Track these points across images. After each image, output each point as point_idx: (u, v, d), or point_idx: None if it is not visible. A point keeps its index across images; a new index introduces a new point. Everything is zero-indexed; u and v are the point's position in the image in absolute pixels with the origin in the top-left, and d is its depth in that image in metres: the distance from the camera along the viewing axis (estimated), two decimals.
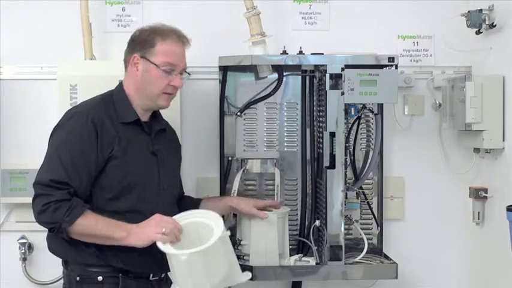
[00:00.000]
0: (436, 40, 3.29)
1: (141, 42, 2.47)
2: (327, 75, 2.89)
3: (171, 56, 2.46)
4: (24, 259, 3.18)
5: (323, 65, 2.96)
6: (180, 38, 2.49)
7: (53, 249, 2.44)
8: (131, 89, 2.50)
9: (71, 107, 2.57)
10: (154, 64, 2.43)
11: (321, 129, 3.05)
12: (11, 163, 3.17)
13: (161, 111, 2.65)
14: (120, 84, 2.54)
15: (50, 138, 2.42)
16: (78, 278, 2.39)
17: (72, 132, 2.36)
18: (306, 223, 3.17)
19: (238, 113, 3.19)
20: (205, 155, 3.22)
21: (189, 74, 2.60)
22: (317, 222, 3.03)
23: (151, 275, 2.49)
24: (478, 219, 3.14)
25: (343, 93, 2.86)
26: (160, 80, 2.45)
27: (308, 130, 3.17)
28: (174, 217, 2.38)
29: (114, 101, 2.48)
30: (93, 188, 2.37)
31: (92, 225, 2.29)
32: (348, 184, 3.09)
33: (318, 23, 3.28)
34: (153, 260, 2.40)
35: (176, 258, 2.28)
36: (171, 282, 2.58)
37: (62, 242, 2.35)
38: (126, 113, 2.46)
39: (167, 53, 2.45)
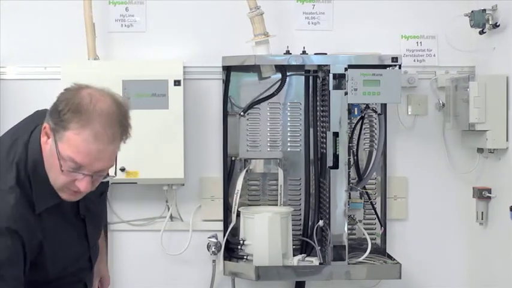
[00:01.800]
0: (439, 40, 3.29)
1: (55, 114, 1.76)
2: (330, 75, 2.89)
3: (81, 154, 1.73)
4: None
5: (326, 65, 2.97)
6: (105, 132, 1.74)
7: None
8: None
9: None
10: (59, 154, 1.75)
11: (324, 129, 3.05)
12: None
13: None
14: (38, 139, 1.84)
15: None
16: None
17: None
18: (310, 223, 3.17)
19: (242, 113, 3.19)
20: (209, 155, 3.22)
21: (114, 176, 1.92)
22: (320, 222, 3.03)
23: None
24: (482, 219, 3.14)
25: (346, 93, 2.86)
26: (62, 176, 1.78)
27: (311, 130, 3.17)
28: None
29: (29, 173, 1.83)
30: None
31: None
32: (351, 184, 3.08)
33: (321, 23, 3.28)
34: None
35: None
36: None
37: None
38: (45, 195, 1.84)
39: (77, 149, 1.73)
